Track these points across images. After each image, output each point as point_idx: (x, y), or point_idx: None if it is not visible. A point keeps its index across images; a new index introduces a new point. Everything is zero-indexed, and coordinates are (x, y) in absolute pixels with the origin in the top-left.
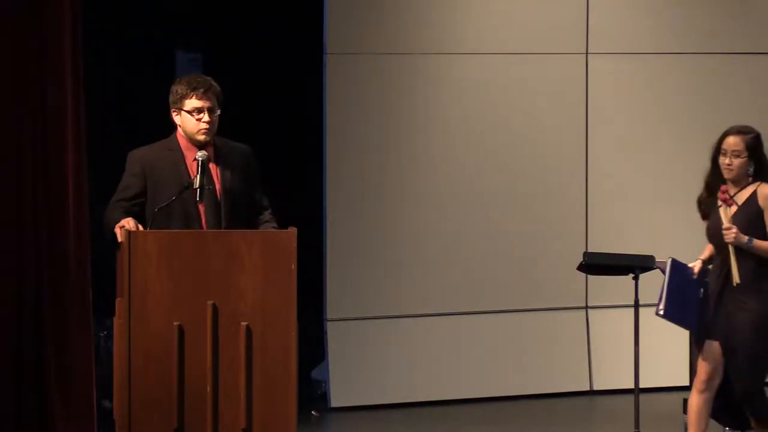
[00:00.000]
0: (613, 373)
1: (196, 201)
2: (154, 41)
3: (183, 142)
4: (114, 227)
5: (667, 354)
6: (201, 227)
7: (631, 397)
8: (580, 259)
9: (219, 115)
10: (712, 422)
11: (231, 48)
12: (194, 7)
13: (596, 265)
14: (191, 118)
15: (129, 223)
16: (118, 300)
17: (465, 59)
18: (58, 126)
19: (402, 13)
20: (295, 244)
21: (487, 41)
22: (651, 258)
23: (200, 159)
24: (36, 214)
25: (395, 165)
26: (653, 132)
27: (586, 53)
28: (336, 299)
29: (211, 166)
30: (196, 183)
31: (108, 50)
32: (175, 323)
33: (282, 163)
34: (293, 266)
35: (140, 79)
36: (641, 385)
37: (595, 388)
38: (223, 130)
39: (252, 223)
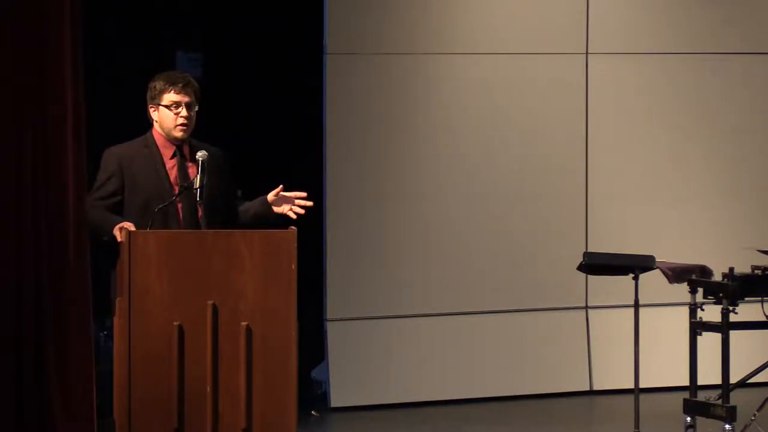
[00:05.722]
0: (613, 373)
1: (176, 200)
2: (154, 41)
3: (160, 139)
4: (109, 227)
5: (667, 354)
6: (179, 227)
7: (631, 397)
8: (580, 259)
9: (197, 112)
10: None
11: (231, 48)
12: (194, 7)
13: (596, 265)
14: (169, 113)
15: (132, 226)
16: (118, 300)
17: (465, 59)
18: (58, 126)
19: (402, 13)
20: (295, 244)
21: (487, 41)
22: (651, 258)
23: (200, 159)
24: (36, 214)
25: (395, 165)
26: (653, 132)
27: (586, 53)
28: (336, 299)
29: (189, 165)
30: (197, 183)
31: (108, 50)
32: (175, 323)
33: (282, 163)
34: (293, 266)
35: (140, 79)
36: (641, 385)
37: (595, 388)
38: (223, 129)
39: (237, 219)
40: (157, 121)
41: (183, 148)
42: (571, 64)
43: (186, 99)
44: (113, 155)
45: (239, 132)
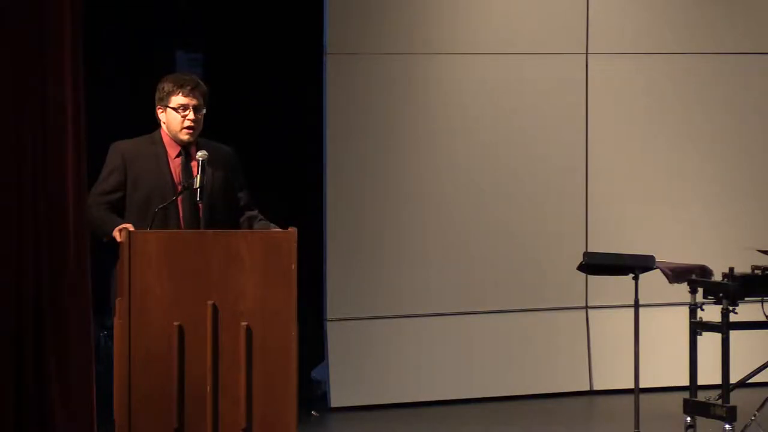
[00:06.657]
0: (613, 373)
1: (177, 199)
2: (154, 41)
3: (166, 138)
4: (109, 228)
5: (667, 354)
6: (179, 226)
7: (631, 397)
8: (580, 259)
9: (204, 114)
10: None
11: (231, 48)
12: (194, 7)
13: (596, 265)
14: (176, 116)
15: (131, 227)
16: (118, 300)
17: (465, 59)
18: (58, 126)
19: (402, 13)
20: (295, 244)
21: (487, 41)
22: (651, 258)
23: (201, 159)
24: (36, 214)
25: (395, 165)
26: (653, 132)
27: (586, 53)
28: (336, 299)
29: (193, 164)
30: (197, 183)
31: (108, 50)
32: (175, 323)
33: (282, 163)
34: (293, 266)
35: (140, 79)
36: (641, 385)
37: (595, 388)
38: (223, 129)
39: (239, 221)
40: (164, 122)
41: (189, 148)
42: (571, 64)
43: (194, 102)
44: (118, 150)
45: (239, 132)
